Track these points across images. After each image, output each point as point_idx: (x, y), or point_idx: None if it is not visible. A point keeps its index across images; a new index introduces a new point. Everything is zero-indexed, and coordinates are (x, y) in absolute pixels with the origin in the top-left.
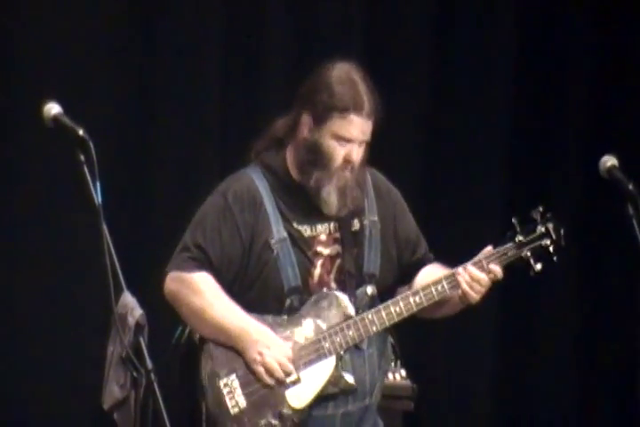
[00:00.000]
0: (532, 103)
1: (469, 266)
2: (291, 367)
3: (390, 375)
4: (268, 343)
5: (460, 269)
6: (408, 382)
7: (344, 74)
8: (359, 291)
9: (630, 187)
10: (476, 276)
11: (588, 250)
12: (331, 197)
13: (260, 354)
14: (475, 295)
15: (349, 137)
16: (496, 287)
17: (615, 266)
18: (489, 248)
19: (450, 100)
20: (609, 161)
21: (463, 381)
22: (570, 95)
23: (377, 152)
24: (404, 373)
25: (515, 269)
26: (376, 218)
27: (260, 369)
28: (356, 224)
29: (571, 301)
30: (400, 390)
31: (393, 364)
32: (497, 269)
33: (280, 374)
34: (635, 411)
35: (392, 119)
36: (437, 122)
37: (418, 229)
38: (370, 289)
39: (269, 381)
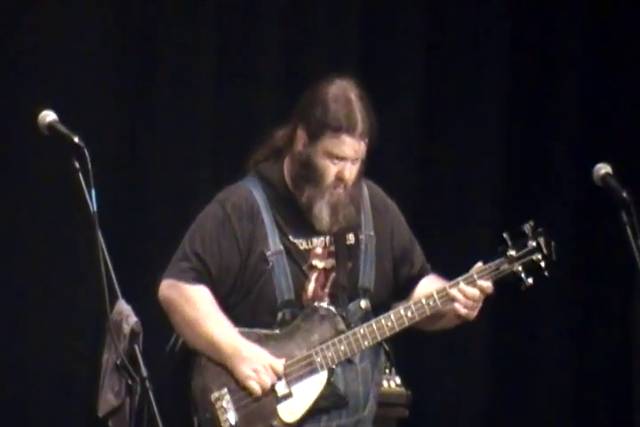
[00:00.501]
0: (526, 112)
1: (462, 284)
2: (284, 389)
3: (385, 383)
4: (262, 361)
5: (453, 290)
6: (403, 390)
7: (340, 91)
8: (352, 305)
9: (624, 194)
10: (469, 293)
11: (582, 257)
12: (322, 214)
13: (255, 371)
14: (471, 312)
15: (342, 155)
16: (490, 299)
17: (610, 273)
18: (479, 264)
19: (443, 109)
20: (603, 169)
21: (457, 388)
22: (563, 103)
23: (371, 163)
24: (398, 380)
25: (506, 283)
26: (372, 232)
27: (254, 385)
28: (351, 238)
29: (565, 305)
30: (395, 397)
31: (388, 371)
32: (487, 285)
33: (267, 385)
34: (630, 416)
35: (386, 128)
36: (430, 132)
37: (415, 242)
38: (363, 303)
39: (260, 393)
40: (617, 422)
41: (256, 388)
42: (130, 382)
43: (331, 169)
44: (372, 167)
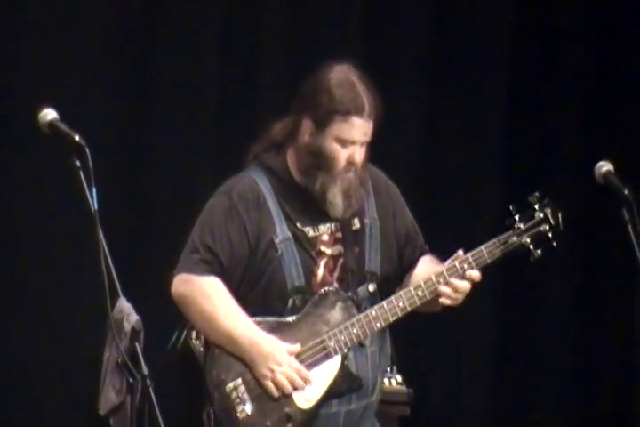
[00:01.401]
0: (528, 109)
1: (451, 279)
2: (301, 383)
3: (386, 381)
4: (279, 359)
5: (442, 287)
6: (404, 388)
7: (342, 76)
8: (361, 289)
9: (626, 192)
10: (459, 287)
11: (583, 254)
12: (336, 200)
13: (272, 371)
14: (458, 302)
15: (352, 139)
16: (493, 293)
17: (611, 271)
18: (460, 252)
19: (446, 104)
20: (604, 166)
21: (459, 386)
22: (565, 101)
23: (374, 151)
24: (399, 378)
25: (515, 255)
26: (376, 215)
27: (271, 385)
28: (356, 223)
29: (568, 304)
30: (396, 395)
31: (389, 369)
32: (476, 274)
33: (290, 390)
34: (631, 416)
35: (389, 117)
36: (433, 125)
37: (415, 224)
38: (371, 287)
39: (277, 394)
40: (618, 421)
41: (272, 388)
42: (131, 380)
43: (341, 154)
44: (374, 155)
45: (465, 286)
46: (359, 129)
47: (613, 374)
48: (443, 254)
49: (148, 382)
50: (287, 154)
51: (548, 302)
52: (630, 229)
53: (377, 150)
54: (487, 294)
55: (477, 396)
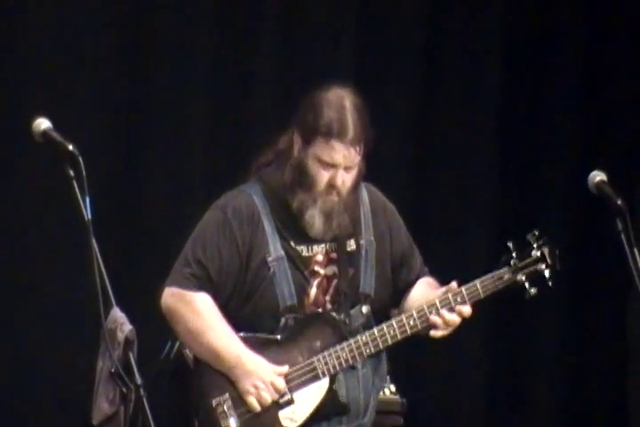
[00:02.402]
0: (520, 119)
1: (442, 311)
2: (285, 399)
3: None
4: (263, 376)
5: (433, 317)
6: (397, 398)
7: (335, 98)
8: (354, 311)
9: (619, 202)
10: (449, 320)
11: (577, 264)
12: (314, 220)
13: (256, 387)
14: (445, 333)
15: (331, 162)
16: (485, 303)
17: (604, 280)
18: (453, 284)
19: (437, 114)
20: (597, 176)
21: (453, 395)
22: (558, 110)
23: (367, 168)
24: (393, 388)
25: (509, 292)
26: (372, 237)
27: (253, 400)
28: (352, 244)
29: (561, 313)
30: (389, 405)
31: None
32: (466, 311)
33: (269, 404)
34: (625, 415)
35: (380, 132)
36: (425, 137)
37: (414, 246)
38: (365, 309)
39: (260, 409)
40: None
41: (255, 404)
42: (124, 390)
43: (322, 175)
44: (367, 172)
45: (455, 319)
46: (339, 153)
47: (606, 383)
48: (432, 262)
49: (142, 391)
50: (285, 169)
51: (542, 312)
52: (624, 238)
53: (368, 170)
54: (480, 305)
55: (471, 405)
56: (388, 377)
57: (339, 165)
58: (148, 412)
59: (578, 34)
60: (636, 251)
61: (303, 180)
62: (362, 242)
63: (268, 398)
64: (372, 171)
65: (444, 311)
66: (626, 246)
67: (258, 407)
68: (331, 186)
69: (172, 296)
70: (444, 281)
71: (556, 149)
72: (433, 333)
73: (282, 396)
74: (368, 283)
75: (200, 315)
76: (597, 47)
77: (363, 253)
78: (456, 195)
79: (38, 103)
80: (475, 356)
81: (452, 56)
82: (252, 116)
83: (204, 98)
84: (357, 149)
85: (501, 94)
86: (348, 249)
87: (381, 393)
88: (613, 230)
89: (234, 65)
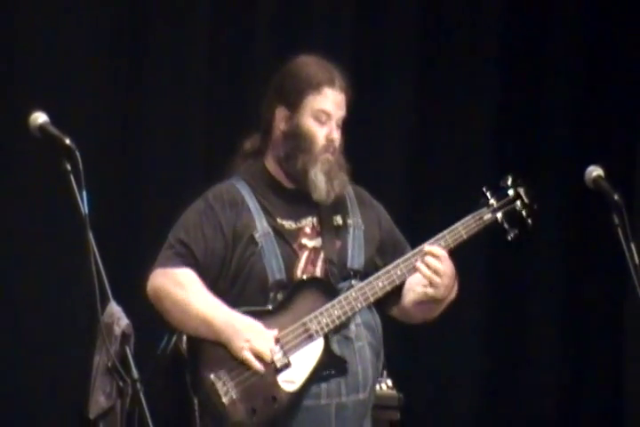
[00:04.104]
0: (517, 114)
1: (427, 258)
2: (278, 349)
3: (377, 385)
4: (254, 330)
5: (419, 263)
6: (394, 392)
7: (309, 59)
8: (344, 284)
9: (616, 197)
10: (432, 265)
11: (573, 259)
12: (318, 179)
13: (247, 341)
14: (439, 289)
15: (327, 110)
16: (483, 299)
17: (601, 275)
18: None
19: (435, 113)
20: (594, 171)
21: (449, 391)
22: (554, 106)
23: (362, 163)
24: (390, 383)
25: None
26: (360, 221)
27: (249, 356)
28: (339, 220)
29: (559, 306)
30: (386, 400)
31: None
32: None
33: (269, 356)
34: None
35: (378, 132)
36: (422, 136)
37: (403, 239)
38: (355, 282)
39: (259, 366)
40: (607, 424)
41: (250, 357)
42: (121, 384)
43: (319, 132)
44: (366, 158)
45: (437, 265)
46: (333, 100)
47: (602, 378)
48: None
49: (138, 386)
50: (265, 159)
51: (539, 306)
52: (620, 233)
53: (366, 152)
54: (477, 300)
55: (468, 401)
56: (384, 372)
57: (333, 114)
58: (145, 406)
59: (577, 33)
60: (633, 246)
61: (301, 142)
62: (349, 221)
63: (262, 346)
64: (369, 170)
65: (428, 257)
66: (623, 242)
67: (254, 361)
68: (329, 141)
69: (156, 276)
70: None
71: (553, 144)
72: (423, 289)
73: (279, 360)
74: (357, 260)
75: (184, 287)
76: (597, 44)
77: (351, 230)
78: (451, 192)
79: (35, 97)
80: (471, 352)
81: (449, 59)
82: (250, 112)
83: (202, 92)
84: (346, 97)
85: (500, 92)
86: (335, 223)
87: (378, 388)
88: (610, 225)
89: (231, 58)
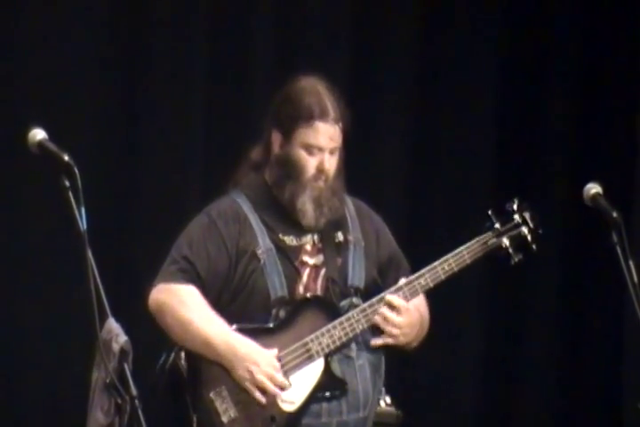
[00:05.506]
0: (516, 128)
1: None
2: (281, 380)
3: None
4: (256, 358)
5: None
6: (393, 409)
7: (307, 85)
8: (345, 302)
9: (615, 215)
10: (390, 319)
11: (573, 275)
12: (306, 207)
13: (250, 372)
14: (400, 339)
15: (318, 145)
16: (481, 313)
17: (600, 291)
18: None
19: (434, 118)
20: (593, 189)
21: (448, 407)
22: (554, 122)
23: (361, 172)
24: (388, 399)
25: (495, 258)
26: (360, 236)
27: (252, 387)
28: (339, 236)
29: (556, 326)
30: (385, 417)
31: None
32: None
33: (272, 389)
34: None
35: (377, 132)
36: (420, 140)
37: (400, 252)
38: (356, 300)
39: (262, 398)
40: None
41: (253, 390)
42: (119, 401)
43: (309, 162)
44: (365, 161)
45: (394, 318)
46: (324, 134)
47: (602, 384)
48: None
49: (137, 403)
50: (265, 172)
51: (539, 321)
52: (619, 251)
53: (366, 159)
54: (475, 315)
55: (466, 417)
56: (383, 389)
57: (324, 147)
58: (143, 423)
59: (577, 40)
60: (631, 263)
61: (290, 170)
62: (350, 237)
63: (265, 380)
64: (367, 180)
65: (384, 310)
66: (621, 260)
67: (257, 393)
68: (319, 171)
69: (159, 291)
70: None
71: (552, 161)
72: (383, 339)
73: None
74: (357, 276)
75: (187, 305)
76: (596, 55)
77: (351, 247)
78: (450, 203)
79: (34, 114)
80: (470, 369)
81: (449, 56)
82: (248, 118)
83: (200, 109)
84: (339, 127)
85: (499, 100)
86: (336, 240)
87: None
88: (609, 242)
89: (230, 65)
